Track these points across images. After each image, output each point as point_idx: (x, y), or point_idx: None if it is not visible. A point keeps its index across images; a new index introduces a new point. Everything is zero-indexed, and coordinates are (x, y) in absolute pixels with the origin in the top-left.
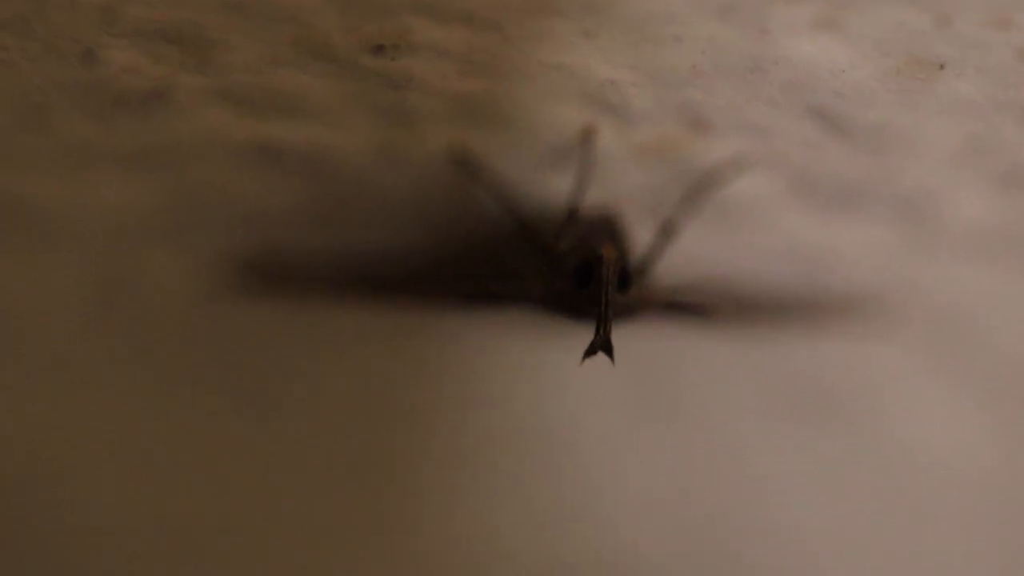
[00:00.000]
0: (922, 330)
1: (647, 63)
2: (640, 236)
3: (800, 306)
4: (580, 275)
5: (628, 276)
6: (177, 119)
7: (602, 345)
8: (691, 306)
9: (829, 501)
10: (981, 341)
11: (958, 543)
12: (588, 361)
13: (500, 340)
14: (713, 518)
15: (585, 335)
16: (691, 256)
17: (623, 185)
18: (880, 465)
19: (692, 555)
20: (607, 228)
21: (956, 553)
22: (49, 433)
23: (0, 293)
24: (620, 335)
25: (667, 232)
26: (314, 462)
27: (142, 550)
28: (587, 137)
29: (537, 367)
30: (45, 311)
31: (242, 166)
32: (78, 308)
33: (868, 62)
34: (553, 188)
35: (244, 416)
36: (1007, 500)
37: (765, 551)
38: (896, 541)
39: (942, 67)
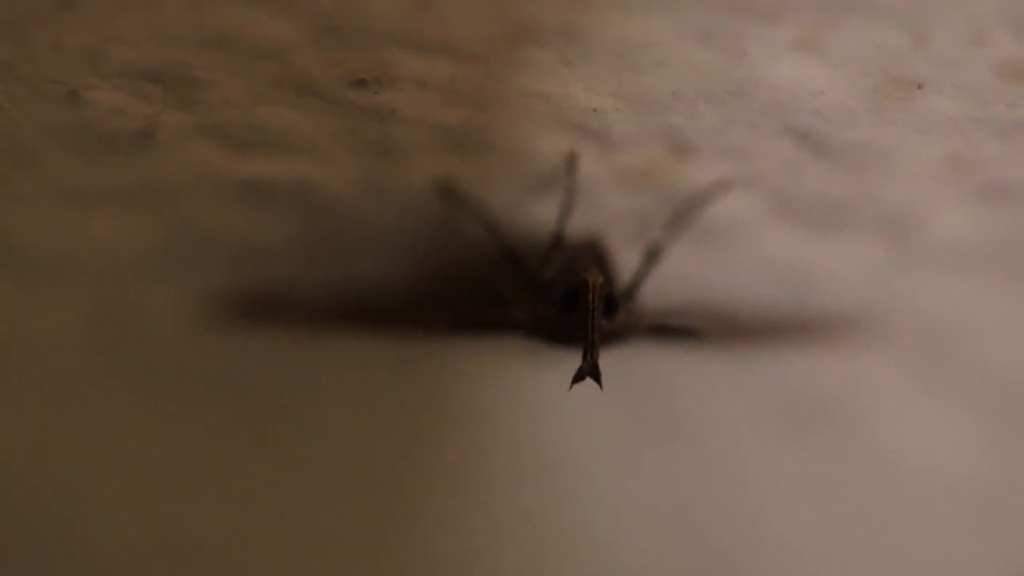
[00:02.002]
0: (908, 344)
1: (628, 89)
2: (625, 260)
3: (787, 324)
4: (566, 301)
5: (614, 301)
6: (164, 157)
7: (590, 371)
8: (678, 328)
9: (822, 513)
10: (967, 353)
11: (950, 552)
12: (578, 386)
13: (489, 367)
14: (709, 535)
15: (573, 361)
16: (677, 279)
17: (607, 210)
18: (871, 476)
19: (689, 572)
20: (592, 253)
21: (948, 562)
22: (45, 466)
23: None
24: (608, 360)
25: (652, 256)
26: (307, 491)
27: (135, 574)
28: (571, 163)
29: (527, 393)
30: (37, 348)
31: (230, 201)
32: (70, 344)
33: (847, 82)
34: (538, 215)
35: (238, 446)
36: (996, 509)
37: (762, 565)
38: (889, 551)
39: (920, 86)
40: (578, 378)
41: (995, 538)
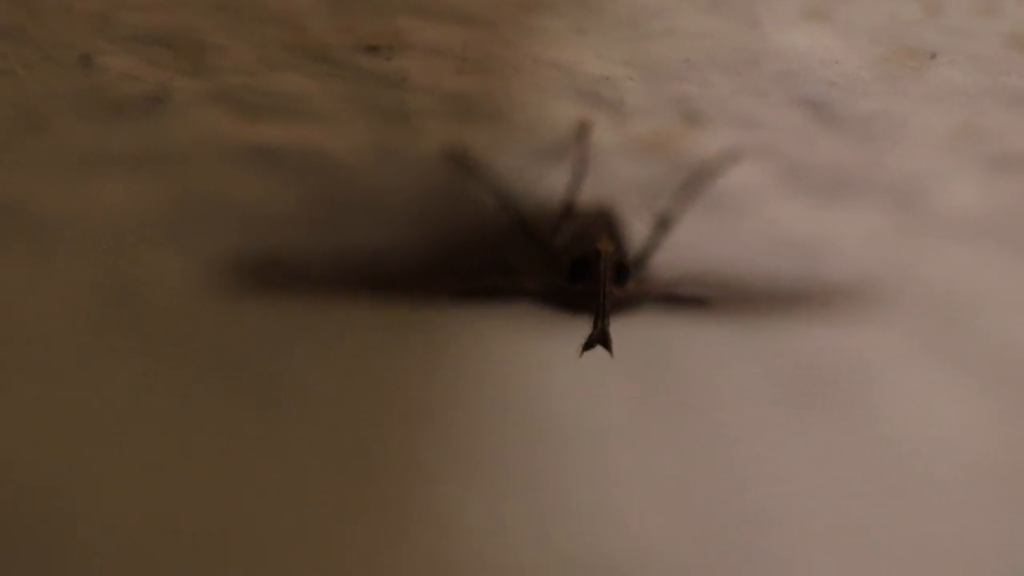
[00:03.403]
0: (917, 315)
1: (640, 58)
2: (636, 229)
3: (796, 294)
4: (577, 269)
5: (625, 269)
6: (174, 123)
7: (599, 338)
8: (688, 298)
9: (829, 483)
10: (975, 325)
11: (957, 525)
12: (587, 354)
13: (499, 335)
14: (716, 506)
15: (583, 329)
16: (687, 248)
17: (619, 179)
18: (877, 447)
19: (695, 543)
20: (603, 222)
21: (956, 534)
22: (52, 434)
23: (2, 297)
24: (618, 328)
25: (663, 225)
26: (316, 458)
27: (144, 548)
28: (582, 132)
29: (536, 361)
30: (47, 314)
31: (240, 168)
32: (79, 310)
33: (859, 52)
34: (549, 183)
35: (245, 414)
36: (1004, 482)
37: (767, 537)
38: (895, 523)
39: (933, 55)
40: (588, 346)
41: (1003, 511)
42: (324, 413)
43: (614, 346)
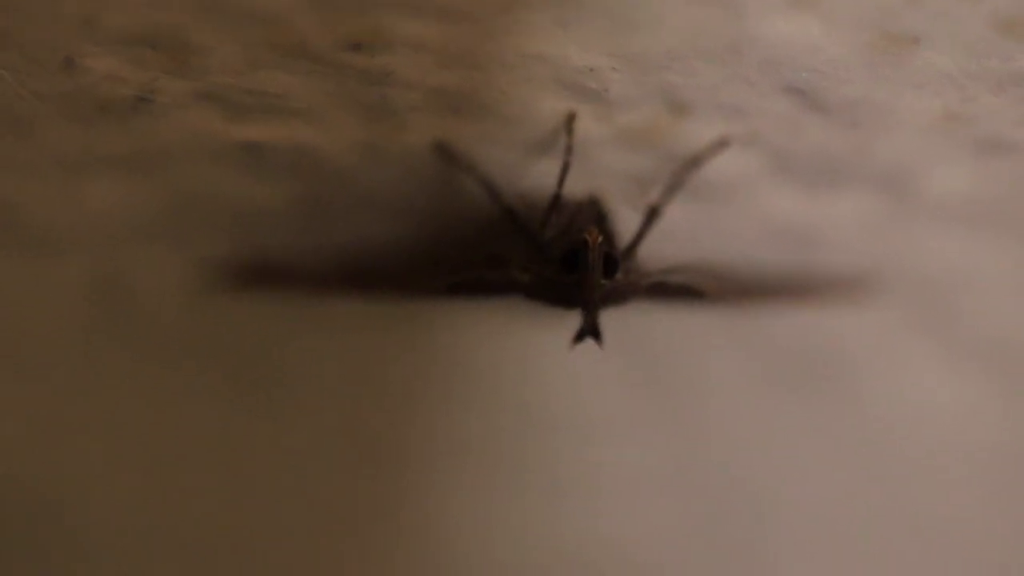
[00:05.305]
0: (907, 300)
1: (624, 48)
2: (625, 220)
3: (786, 281)
4: (566, 261)
5: (614, 260)
6: (161, 123)
7: (590, 329)
8: (678, 287)
9: (823, 471)
10: (965, 309)
11: (950, 509)
12: (578, 346)
13: (489, 328)
14: (709, 493)
15: (574, 320)
16: (676, 237)
17: (606, 170)
18: (870, 433)
19: (689, 530)
20: (591, 213)
21: (950, 518)
22: (46, 437)
23: None
24: (608, 318)
25: (651, 215)
26: (311, 453)
27: (141, 548)
28: (568, 123)
29: (527, 353)
30: (37, 316)
31: (227, 167)
32: (70, 311)
33: (843, 38)
34: (536, 176)
35: (238, 411)
36: (998, 466)
37: (761, 522)
38: (889, 507)
39: (916, 40)
40: (578, 337)
41: (996, 493)
42: (318, 408)
43: (604, 337)
